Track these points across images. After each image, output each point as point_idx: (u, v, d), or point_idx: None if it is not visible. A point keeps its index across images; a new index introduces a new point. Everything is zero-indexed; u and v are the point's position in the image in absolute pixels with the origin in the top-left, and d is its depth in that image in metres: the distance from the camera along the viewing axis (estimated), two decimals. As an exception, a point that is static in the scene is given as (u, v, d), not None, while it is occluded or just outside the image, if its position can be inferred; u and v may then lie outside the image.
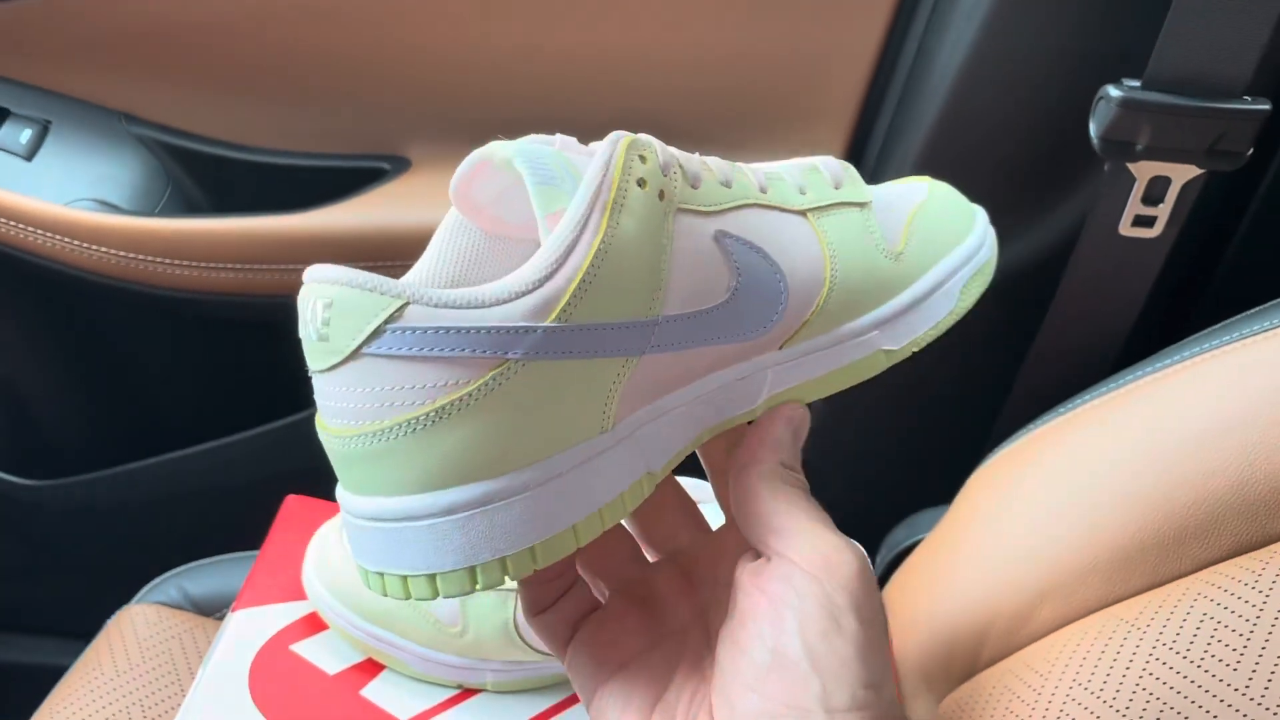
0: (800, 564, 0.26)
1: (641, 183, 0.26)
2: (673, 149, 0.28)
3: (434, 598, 0.25)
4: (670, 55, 0.64)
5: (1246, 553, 0.37)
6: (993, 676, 0.43)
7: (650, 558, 0.32)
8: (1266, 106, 0.51)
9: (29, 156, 0.66)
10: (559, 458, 0.25)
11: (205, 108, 0.68)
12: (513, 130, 0.28)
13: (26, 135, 0.66)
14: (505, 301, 0.24)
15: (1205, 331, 0.43)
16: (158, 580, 0.54)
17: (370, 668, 0.43)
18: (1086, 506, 0.43)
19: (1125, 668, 0.37)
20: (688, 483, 0.34)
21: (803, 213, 0.30)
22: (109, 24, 0.65)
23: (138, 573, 0.55)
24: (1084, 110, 0.54)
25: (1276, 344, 0.40)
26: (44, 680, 0.52)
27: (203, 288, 0.67)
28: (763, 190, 0.29)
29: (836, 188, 0.31)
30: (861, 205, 0.31)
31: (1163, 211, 0.55)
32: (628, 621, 0.30)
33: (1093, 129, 0.53)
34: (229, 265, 0.66)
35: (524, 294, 0.24)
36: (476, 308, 0.24)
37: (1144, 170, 0.54)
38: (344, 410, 0.24)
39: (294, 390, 0.71)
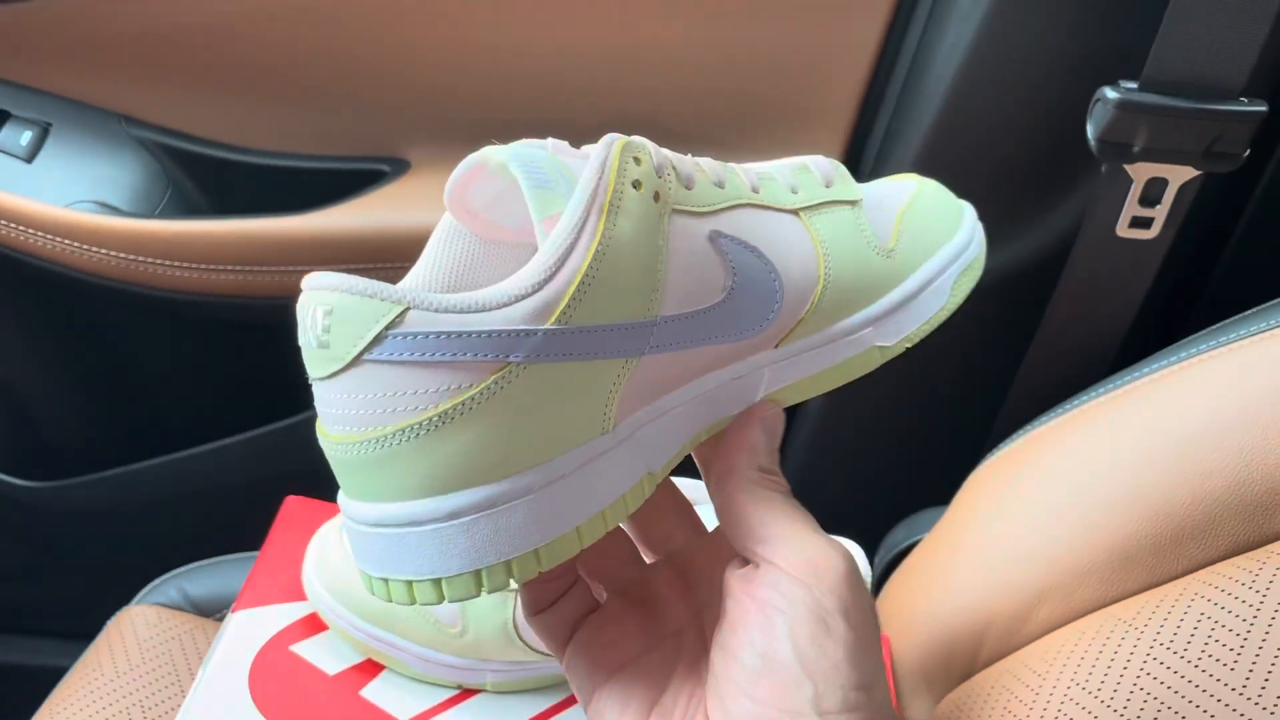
0: (787, 570, 0.26)
1: (637, 184, 0.26)
2: (666, 150, 0.28)
3: (439, 602, 0.25)
4: (669, 57, 0.65)
5: (1243, 553, 0.38)
6: (991, 676, 0.43)
7: (647, 559, 0.32)
8: (1263, 108, 0.51)
9: (29, 158, 0.66)
10: (561, 460, 0.25)
11: (205, 110, 0.68)
12: (510, 132, 0.28)
13: (27, 137, 0.66)
14: (505, 305, 0.24)
15: (1202, 332, 0.43)
16: (158, 581, 0.54)
17: (370, 668, 0.43)
18: (1085, 507, 0.43)
19: (1123, 667, 0.37)
20: (683, 483, 0.34)
21: (795, 212, 0.30)
22: (109, 26, 0.65)
23: (138, 574, 0.55)
24: (1081, 112, 0.54)
25: (1273, 345, 0.40)
26: (44, 681, 0.52)
27: (202, 289, 0.67)
28: (755, 190, 0.29)
29: (827, 186, 0.31)
30: (852, 203, 0.31)
31: (1160, 213, 0.55)
32: (626, 623, 0.30)
33: (1090, 130, 0.53)
34: (229, 267, 0.66)
35: (524, 297, 0.24)
36: (477, 311, 0.24)
37: (1141, 172, 0.54)
38: (345, 417, 0.24)
39: (294, 391, 0.71)
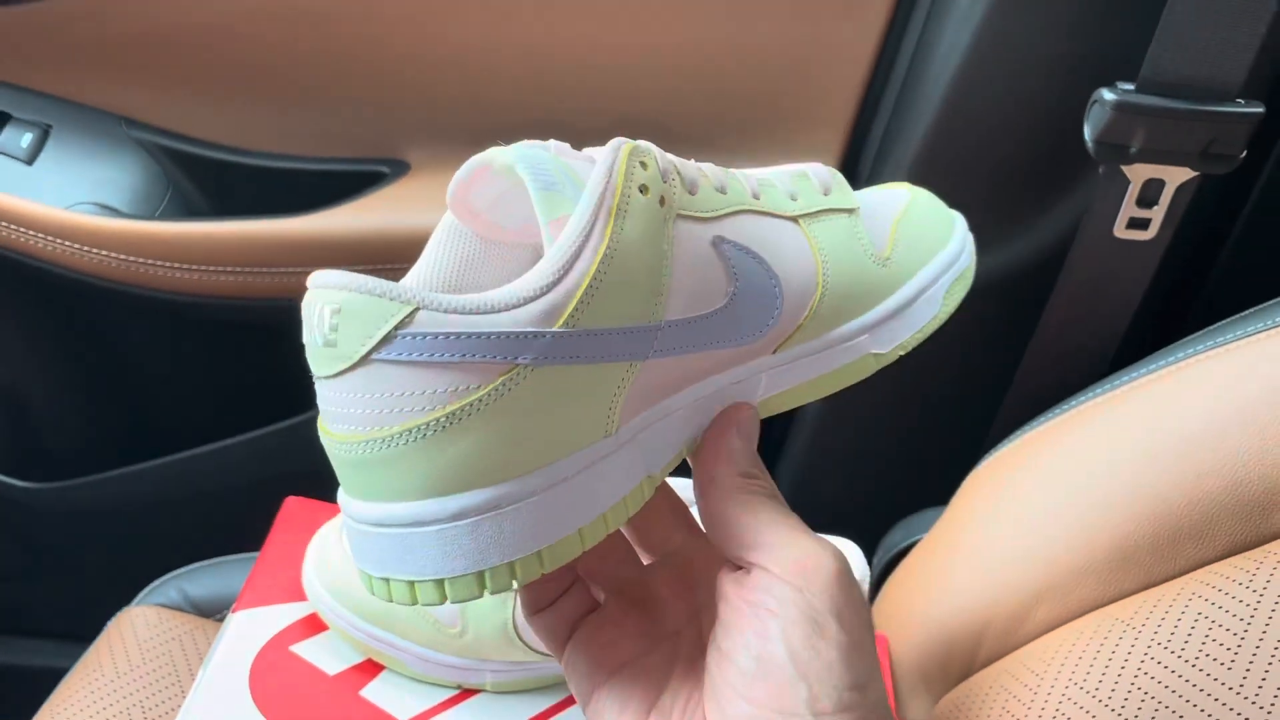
0: (778, 574, 0.26)
1: (644, 189, 0.26)
2: (670, 155, 0.28)
3: (441, 603, 0.25)
4: (668, 59, 0.65)
5: (1241, 553, 0.38)
6: (989, 676, 0.43)
7: (645, 561, 0.32)
8: (1260, 109, 0.51)
9: (30, 160, 0.66)
10: (564, 462, 0.25)
11: (205, 112, 0.68)
12: (510, 134, 0.28)
13: (27, 139, 0.66)
14: (514, 307, 0.24)
15: (1200, 333, 0.44)
16: (158, 582, 0.54)
17: (370, 668, 0.43)
18: (1083, 507, 0.43)
19: (1121, 667, 0.37)
20: (677, 483, 0.34)
21: (794, 219, 0.30)
22: (109, 28, 0.65)
23: (138, 575, 0.55)
24: (1078, 113, 0.54)
25: (1271, 345, 0.40)
26: (44, 682, 0.52)
27: (203, 291, 0.67)
28: (755, 196, 0.29)
29: (825, 194, 0.32)
30: (850, 211, 0.32)
31: (1157, 214, 0.55)
32: (625, 624, 0.30)
33: (1087, 132, 0.53)
34: (229, 268, 0.66)
35: (532, 299, 0.24)
36: (486, 313, 0.24)
37: (1138, 173, 0.54)
38: (350, 416, 0.24)
39: (293, 393, 0.71)
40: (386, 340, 0.23)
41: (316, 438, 0.26)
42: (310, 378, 0.25)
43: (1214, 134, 0.52)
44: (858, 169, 0.67)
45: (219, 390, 0.78)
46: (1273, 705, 0.33)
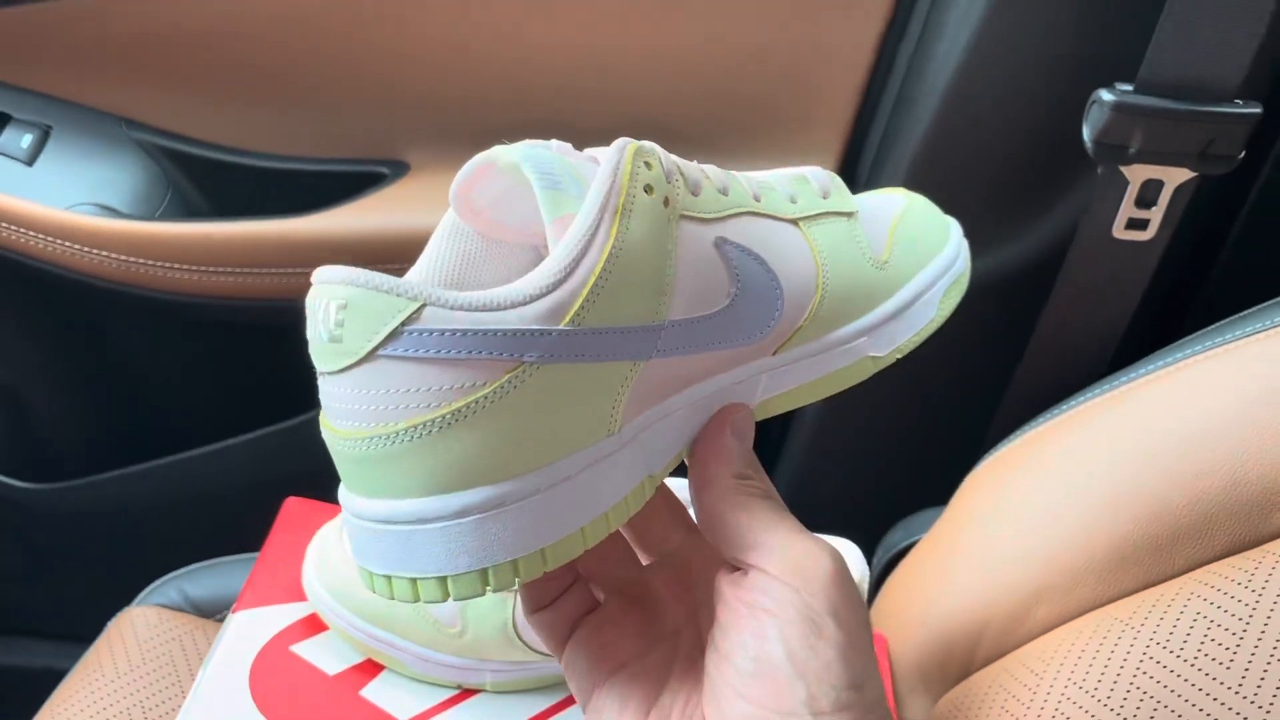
0: (775, 575, 0.26)
1: (648, 189, 0.26)
2: (674, 156, 0.28)
3: (444, 600, 0.25)
4: (667, 60, 0.65)
5: (1239, 553, 0.38)
6: (989, 676, 0.43)
7: (643, 561, 0.32)
8: (1258, 110, 0.51)
9: (30, 161, 0.66)
10: (567, 461, 0.25)
11: (205, 113, 0.68)
12: (509, 134, 0.28)
13: (27, 140, 0.66)
14: (520, 304, 0.24)
15: (1199, 333, 0.44)
16: (158, 582, 0.54)
17: (370, 668, 0.43)
18: (1081, 507, 0.43)
19: (1120, 667, 0.37)
20: (674, 484, 0.34)
21: (794, 221, 0.30)
22: (109, 30, 0.65)
23: (138, 575, 0.55)
24: (1077, 114, 0.54)
25: (1269, 345, 0.40)
26: (45, 683, 0.52)
27: (202, 291, 0.67)
28: (756, 199, 0.30)
29: (824, 197, 0.32)
30: (849, 215, 0.32)
31: (1155, 214, 0.55)
32: (624, 624, 0.30)
33: (1086, 132, 0.53)
34: (229, 269, 0.66)
35: (538, 297, 0.24)
36: (493, 310, 0.24)
37: (1137, 173, 0.54)
38: (354, 412, 0.24)
39: (293, 393, 0.71)
40: (393, 336, 0.23)
41: (316, 438, 0.26)
42: (311, 378, 0.25)
43: (1212, 134, 0.52)
44: (857, 170, 0.67)
45: (219, 391, 0.78)
46: (1271, 704, 0.33)
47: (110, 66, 0.67)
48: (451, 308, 0.24)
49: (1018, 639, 0.44)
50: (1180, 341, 0.44)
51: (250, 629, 0.44)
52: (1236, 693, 0.34)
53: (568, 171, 0.26)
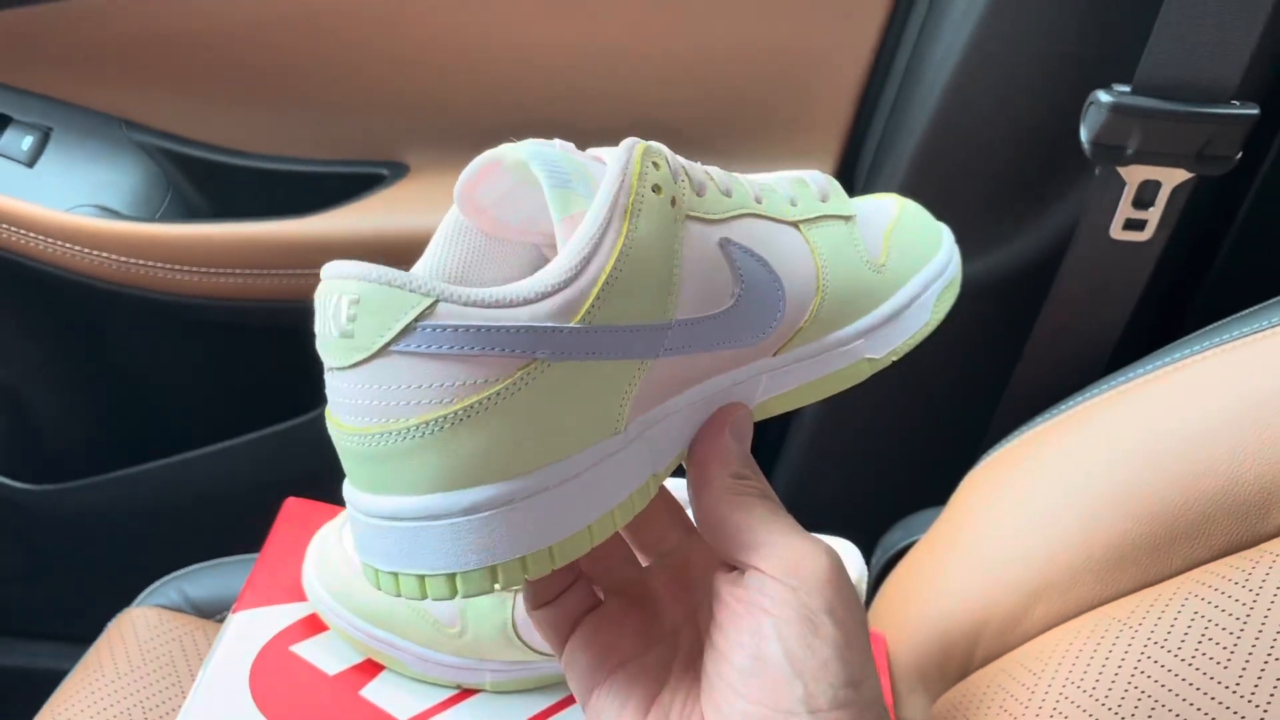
0: (772, 574, 0.26)
1: (656, 189, 0.26)
2: (679, 157, 0.28)
3: (451, 597, 0.25)
4: (665, 63, 0.65)
5: (1236, 552, 0.38)
6: (987, 675, 0.43)
7: (642, 562, 0.33)
8: (1254, 111, 0.51)
9: (30, 163, 0.66)
10: (575, 459, 0.25)
11: (205, 114, 0.69)
12: (509, 136, 0.28)
13: (28, 142, 0.66)
14: (532, 301, 0.24)
15: (1197, 333, 0.44)
16: (158, 583, 0.54)
17: (370, 668, 0.43)
18: (1079, 507, 0.43)
19: (1118, 666, 0.37)
20: (672, 483, 0.34)
21: (795, 224, 0.31)
22: (109, 32, 0.65)
23: (138, 576, 0.55)
24: (1075, 115, 0.54)
25: (1267, 346, 0.40)
26: (44, 684, 0.52)
27: (202, 293, 0.67)
28: (758, 200, 0.30)
29: (823, 200, 0.32)
30: (847, 219, 0.32)
31: (1153, 215, 0.56)
32: (624, 623, 0.30)
33: (1083, 133, 0.54)
34: (229, 270, 0.66)
35: (550, 294, 0.24)
36: (505, 307, 0.24)
37: (1134, 174, 0.54)
38: (364, 408, 0.24)
39: (293, 394, 0.71)
40: (407, 332, 0.23)
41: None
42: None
43: (1209, 135, 0.52)
44: (855, 171, 0.67)
45: (219, 392, 0.78)
46: (1269, 703, 0.33)
47: (110, 68, 0.67)
48: (465, 304, 0.23)
49: (1016, 639, 0.44)
50: (1178, 342, 0.44)
51: (250, 629, 0.44)
52: (1234, 691, 0.34)
53: (576, 169, 0.26)
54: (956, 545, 0.50)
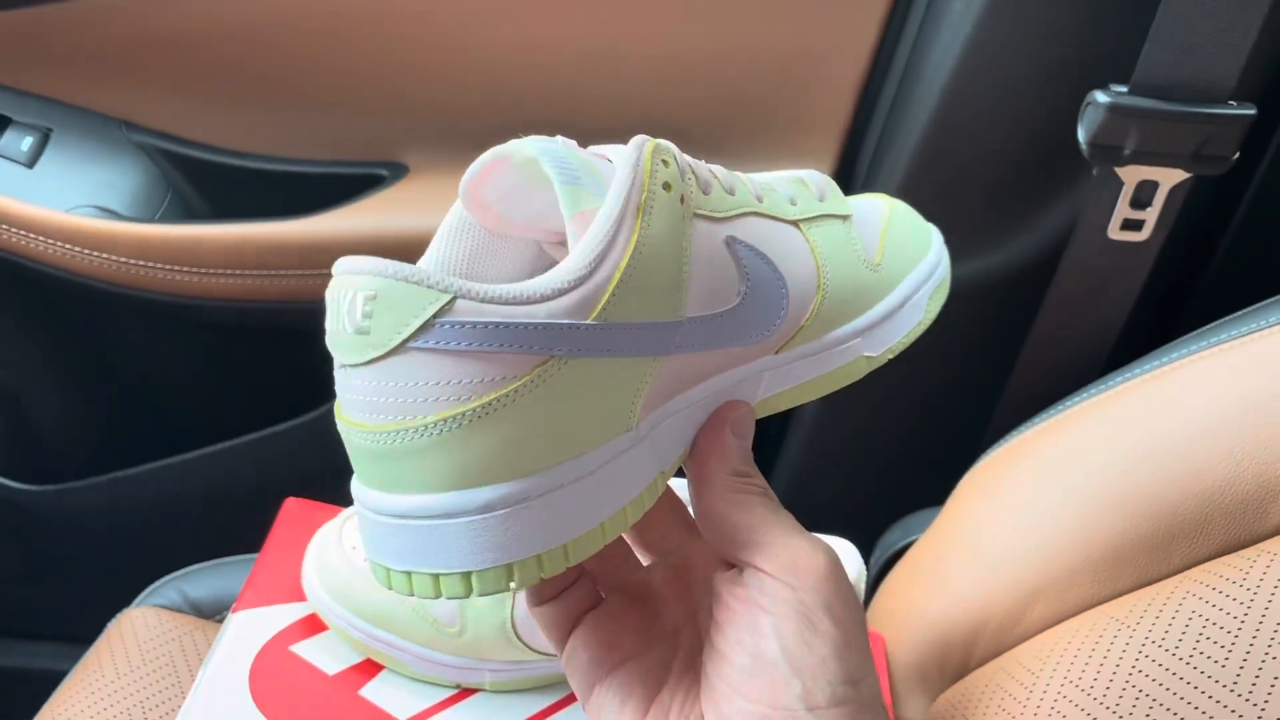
0: (770, 573, 0.26)
1: (666, 186, 0.26)
2: (686, 155, 0.28)
3: (467, 596, 0.24)
4: (665, 63, 0.65)
5: (1234, 551, 0.38)
6: (985, 675, 0.43)
7: (644, 561, 0.33)
8: (1251, 111, 0.52)
9: (30, 164, 0.67)
10: (590, 456, 0.25)
11: (205, 115, 0.69)
12: (508, 136, 0.28)
13: (28, 143, 0.66)
14: (549, 298, 0.24)
15: (1194, 333, 0.44)
16: (158, 583, 0.54)
17: (369, 668, 0.43)
18: (1077, 506, 0.43)
19: (1116, 665, 0.37)
20: (673, 483, 0.34)
21: (795, 223, 0.31)
22: (109, 32, 0.65)
23: (138, 576, 0.55)
24: (1072, 115, 0.54)
25: (1264, 346, 0.40)
26: (44, 684, 0.52)
27: (202, 293, 0.67)
28: (759, 199, 0.30)
29: (821, 200, 0.32)
30: (845, 218, 0.32)
31: (1151, 215, 0.56)
32: (625, 621, 0.31)
33: (1081, 134, 0.54)
34: (228, 271, 0.66)
35: (565, 291, 0.24)
36: (523, 303, 0.24)
37: (1131, 174, 0.54)
38: (380, 405, 0.24)
39: (294, 395, 0.71)
40: (425, 328, 0.23)
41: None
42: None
43: (1207, 135, 0.52)
44: (854, 171, 0.68)
45: (219, 392, 0.78)
46: (1267, 702, 0.33)
47: (110, 69, 0.67)
48: (483, 300, 0.23)
49: (1014, 638, 0.44)
50: (1176, 341, 0.44)
51: (250, 629, 0.44)
52: (1232, 690, 0.34)
53: (584, 167, 0.26)
54: (955, 545, 0.50)
